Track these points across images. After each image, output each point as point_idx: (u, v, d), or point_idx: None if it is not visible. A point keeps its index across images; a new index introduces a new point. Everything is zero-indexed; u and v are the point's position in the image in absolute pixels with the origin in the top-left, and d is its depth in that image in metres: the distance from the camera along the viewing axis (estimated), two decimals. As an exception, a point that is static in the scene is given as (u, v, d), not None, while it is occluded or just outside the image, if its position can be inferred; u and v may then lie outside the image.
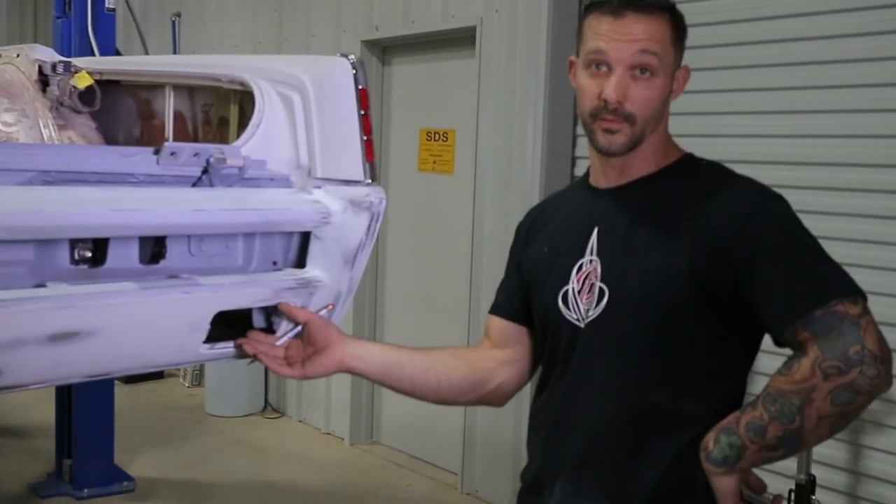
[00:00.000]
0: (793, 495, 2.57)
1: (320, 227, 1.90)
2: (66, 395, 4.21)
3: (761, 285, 1.34)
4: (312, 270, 1.92)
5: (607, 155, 1.47)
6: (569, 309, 1.51)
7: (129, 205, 1.64)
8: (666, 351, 1.42)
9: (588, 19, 1.47)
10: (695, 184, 1.46)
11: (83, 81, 2.61)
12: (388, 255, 4.97)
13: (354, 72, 1.99)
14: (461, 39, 4.37)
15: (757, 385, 1.40)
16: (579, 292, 1.50)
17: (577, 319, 1.49)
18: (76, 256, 1.72)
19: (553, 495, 1.51)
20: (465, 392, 1.67)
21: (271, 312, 1.86)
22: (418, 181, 4.76)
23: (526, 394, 1.74)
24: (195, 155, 1.78)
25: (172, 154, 1.75)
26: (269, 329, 1.86)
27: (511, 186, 4.10)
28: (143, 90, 2.65)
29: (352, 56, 2.01)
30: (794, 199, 1.44)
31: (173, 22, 5.58)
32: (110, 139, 2.74)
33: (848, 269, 1.35)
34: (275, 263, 1.96)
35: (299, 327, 1.74)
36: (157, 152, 1.75)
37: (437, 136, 4.65)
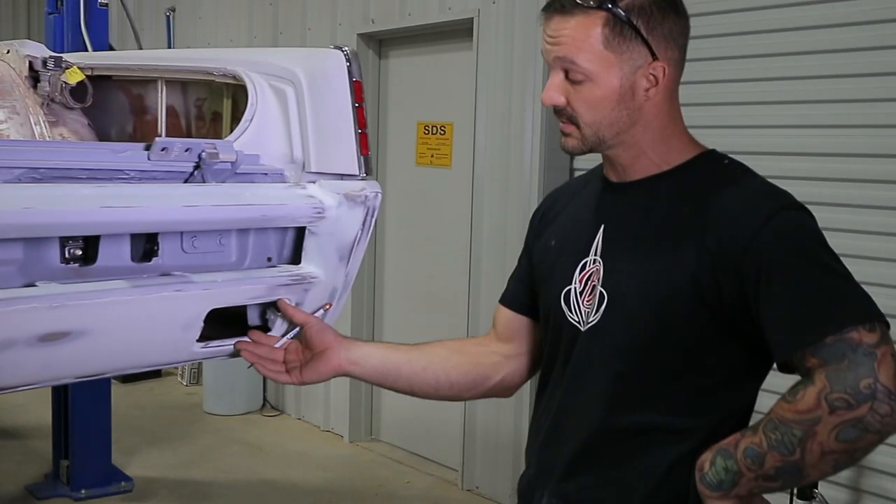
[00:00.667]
0: (796, 488, 2.56)
1: (315, 222, 1.88)
2: (63, 396, 4.18)
3: (769, 305, 1.23)
4: (307, 266, 1.90)
5: (569, 154, 1.44)
6: (570, 310, 1.45)
7: (119, 202, 1.61)
8: (662, 363, 1.34)
9: None
10: (710, 185, 1.35)
11: (74, 77, 2.58)
12: (387, 249, 4.94)
13: (348, 64, 1.95)
14: (458, 32, 4.34)
15: (764, 401, 1.33)
16: (581, 293, 1.44)
17: (578, 322, 1.44)
18: (66, 255, 1.69)
19: None
20: (467, 388, 1.65)
21: (266, 309, 1.83)
22: (416, 175, 4.73)
23: (527, 389, 1.71)
24: (187, 150, 1.76)
25: (163, 150, 1.73)
26: (265, 327, 1.84)
27: (509, 180, 4.08)
28: (136, 85, 2.62)
29: (346, 48, 1.97)
30: (796, 191, 1.35)
31: (168, 17, 5.56)
32: (102, 135, 2.70)
33: (845, 261, 1.26)
34: (269, 259, 1.94)
35: (297, 328, 1.73)
36: (147, 148, 1.73)
37: (434, 129, 4.62)
